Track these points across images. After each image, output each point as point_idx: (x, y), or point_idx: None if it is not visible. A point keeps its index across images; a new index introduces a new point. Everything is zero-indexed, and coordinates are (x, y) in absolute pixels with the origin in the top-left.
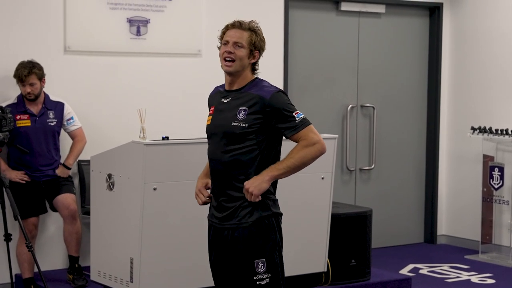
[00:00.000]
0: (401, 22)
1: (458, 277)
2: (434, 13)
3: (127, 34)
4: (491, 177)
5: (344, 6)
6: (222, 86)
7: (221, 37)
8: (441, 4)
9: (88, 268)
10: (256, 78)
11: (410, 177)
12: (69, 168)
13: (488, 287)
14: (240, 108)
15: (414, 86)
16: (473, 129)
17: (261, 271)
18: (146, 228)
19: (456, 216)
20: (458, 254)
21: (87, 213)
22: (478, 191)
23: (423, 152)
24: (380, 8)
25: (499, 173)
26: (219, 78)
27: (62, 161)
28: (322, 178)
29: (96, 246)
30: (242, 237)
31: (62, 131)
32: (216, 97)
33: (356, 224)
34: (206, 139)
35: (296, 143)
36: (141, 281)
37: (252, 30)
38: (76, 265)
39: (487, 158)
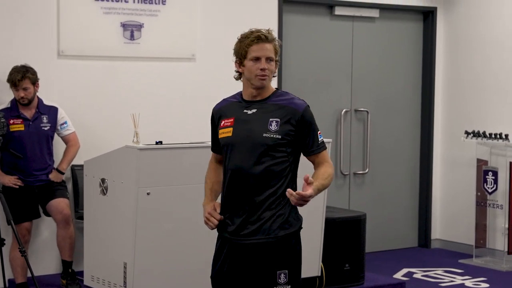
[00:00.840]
0: (395, 27)
1: (452, 281)
2: (428, 18)
3: (121, 38)
4: (485, 181)
5: (338, 11)
6: (234, 97)
7: (244, 51)
8: (435, 8)
9: (81, 273)
10: (277, 89)
11: (404, 181)
12: (63, 173)
13: None
14: (271, 119)
15: (408, 91)
16: (467, 133)
17: (282, 282)
18: (140, 233)
19: (450, 221)
20: (452, 258)
21: (81, 217)
22: (472, 196)
23: (417, 156)
24: (374, 13)
25: (493, 177)
26: (213, 82)
27: (55, 165)
28: None
29: (90, 251)
30: (268, 249)
31: (55, 135)
32: (233, 108)
33: (350, 229)
34: (198, 144)
35: (313, 162)
36: (135, 286)
37: (274, 40)
38: (70, 270)
39: (481, 162)
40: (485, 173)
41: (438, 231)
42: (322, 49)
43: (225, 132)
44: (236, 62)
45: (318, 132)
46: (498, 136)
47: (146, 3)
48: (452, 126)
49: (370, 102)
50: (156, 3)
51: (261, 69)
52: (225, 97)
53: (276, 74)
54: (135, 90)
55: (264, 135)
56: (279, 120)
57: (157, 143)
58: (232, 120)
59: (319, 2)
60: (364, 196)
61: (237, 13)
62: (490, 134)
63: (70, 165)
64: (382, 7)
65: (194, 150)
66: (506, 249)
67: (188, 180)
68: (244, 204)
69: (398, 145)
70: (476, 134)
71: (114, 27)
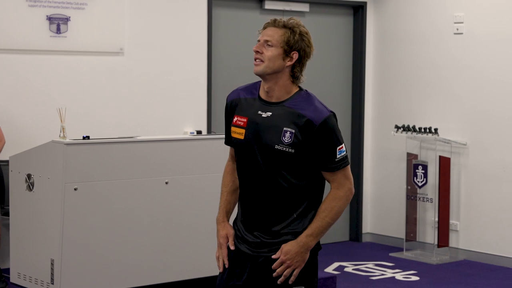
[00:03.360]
0: (325, 21)
1: (382, 274)
2: (358, 12)
3: (47, 32)
4: (415, 175)
5: (268, 5)
6: (251, 90)
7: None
8: (365, 3)
9: (8, 270)
10: (301, 90)
11: None
12: None
13: (412, 284)
14: (285, 129)
15: (339, 85)
16: (397, 127)
17: None
18: (67, 229)
19: (381, 214)
20: (383, 252)
21: (7, 214)
22: (402, 189)
23: (348, 151)
24: (304, 7)
25: (423, 171)
26: (142, 77)
27: None
28: None
29: (16, 248)
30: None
31: None
32: (249, 105)
33: None
34: (126, 139)
35: (328, 181)
36: (62, 283)
37: (289, 27)
38: None
39: (411, 156)
40: (415, 167)
41: (369, 225)
42: (252, 44)
43: (237, 133)
44: None
45: (339, 147)
46: (427, 130)
47: None
48: (382, 120)
49: None
50: None
51: (254, 51)
52: (241, 87)
53: (300, 74)
54: (62, 85)
55: (276, 147)
56: (293, 131)
57: (84, 138)
58: (245, 120)
59: None
60: None
61: (166, 7)
62: (420, 128)
63: None
64: (312, 2)
65: (122, 145)
66: (436, 242)
67: (116, 175)
68: (257, 217)
69: None
70: (406, 129)
71: (39, 21)
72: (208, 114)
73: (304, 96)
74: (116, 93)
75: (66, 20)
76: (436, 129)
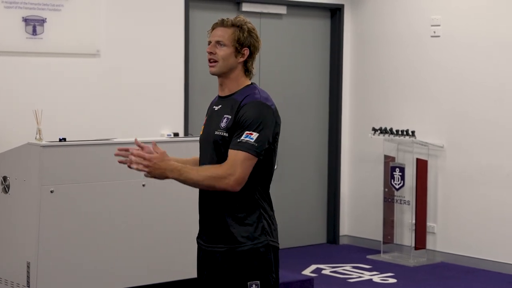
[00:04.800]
0: (303, 23)
1: (360, 277)
2: (335, 14)
3: (23, 33)
4: (392, 177)
5: (245, 7)
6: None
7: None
8: (342, 5)
9: None
10: (252, 84)
11: (313, 178)
12: None
13: (389, 286)
14: (224, 115)
15: (316, 87)
16: (374, 130)
17: None
18: (43, 231)
19: (358, 217)
20: (360, 254)
21: None
22: (379, 192)
23: (325, 153)
24: (281, 9)
25: (400, 174)
26: (118, 78)
27: None
28: None
29: None
30: (235, 259)
31: None
32: (211, 105)
33: None
34: (102, 142)
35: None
36: (38, 285)
37: (237, 25)
38: None
39: (388, 159)
40: (392, 169)
41: (346, 227)
42: None
43: (201, 130)
44: None
45: (248, 132)
46: (404, 132)
47: None
48: (359, 123)
49: (278, 98)
50: None
51: (207, 52)
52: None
53: (252, 68)
54: (38, 86)
55: (216, 132)
56: (229, 116)
57: (60, 140)
58: (206, 118)
59: None
60: (272, 193)
61: (143, 9)
62: (397, 131)
63: None
64: (289, 4)
65: (99, 147)
66: (413, 245)
67: (92, 177)
68: (207, 208)
69: (306, 142)
70: (383, 131)
71: (15, 22)
72: (185, 116)
73: (251, 87)
74: (93, 95)
75: (42, 21)
76: (413, 132)
